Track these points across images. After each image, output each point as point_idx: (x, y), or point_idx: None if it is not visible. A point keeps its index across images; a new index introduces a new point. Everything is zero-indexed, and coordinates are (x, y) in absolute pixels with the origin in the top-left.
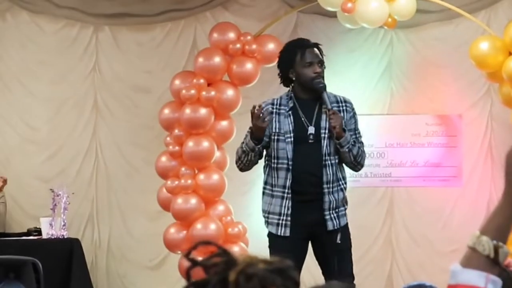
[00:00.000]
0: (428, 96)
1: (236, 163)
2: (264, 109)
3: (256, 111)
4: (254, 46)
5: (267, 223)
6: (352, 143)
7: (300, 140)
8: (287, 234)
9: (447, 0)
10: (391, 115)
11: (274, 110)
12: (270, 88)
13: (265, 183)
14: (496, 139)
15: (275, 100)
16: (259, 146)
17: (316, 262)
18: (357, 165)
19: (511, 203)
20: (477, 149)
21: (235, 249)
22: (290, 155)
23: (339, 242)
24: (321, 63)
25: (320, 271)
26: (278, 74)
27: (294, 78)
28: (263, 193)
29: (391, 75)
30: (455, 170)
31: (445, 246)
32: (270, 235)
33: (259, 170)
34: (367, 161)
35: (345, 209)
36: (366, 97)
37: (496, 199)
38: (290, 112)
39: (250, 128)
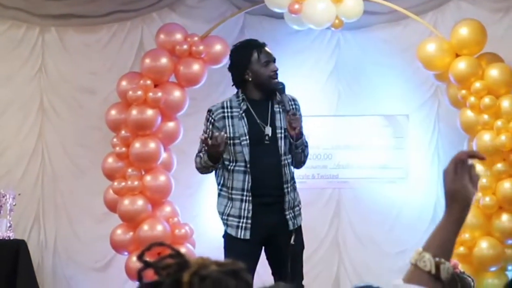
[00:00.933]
0: (376, 97)
1: (198, 170)
2: (219, 137)
3: (210, 141)
4: (201, 47)
5: (226, 225)
6: (306, 143)
7: (256, 142)
8: (247, 237)
9: (395, 1)
10: (338, 116)
11: (226, 114)
12: (217, 89)
13: (221, 185)
14: (443, 140)
15: (225, 103)
16: (218, 164)
17: (263, 263)
18: (302, 164)
19: (453, 220)
20: (424, 150)
21: (182, 250)
22: (247, 158)
23: (293, 243)
24: (274, 61)
25: (269, 271)
26: (232, 76)
27: (250, 79)
28: (219, 195)
29: (339, 77)
30: (402, 172)
31: (392, 248)
32: (228, 236)
33: None
34: (314, 163)
35: (300, 208)
36: (314, 99)
37: (443, 200)
38: (243, 114)
39: (204, 148)
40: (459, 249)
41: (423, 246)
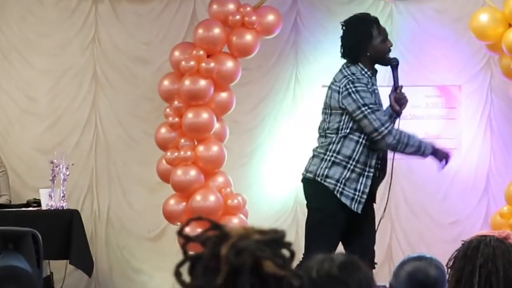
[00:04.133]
0: (428, 68)
1: (398, 144)
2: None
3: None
4: (253, 18)
5: (341, 193)
6: None
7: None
8: (359, 211)
9: None
10: (391, 86)
11: (371, 89)
12: (270, 60)
13: (341, 154)
14: (496, 111)
15: (362, 79)
16: None
17: None
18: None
19: None
20: (476, 121)
21: (235, 220)
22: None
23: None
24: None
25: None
26: (350, 49)
27: (368, 54)
28: (334, 162)
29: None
30: (454, 142)
31: (444, 218)
32: (335, 204)
33: (257, 141)
34: None
35: None
36: None
37: (496, 170)
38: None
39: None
40: None
41: None
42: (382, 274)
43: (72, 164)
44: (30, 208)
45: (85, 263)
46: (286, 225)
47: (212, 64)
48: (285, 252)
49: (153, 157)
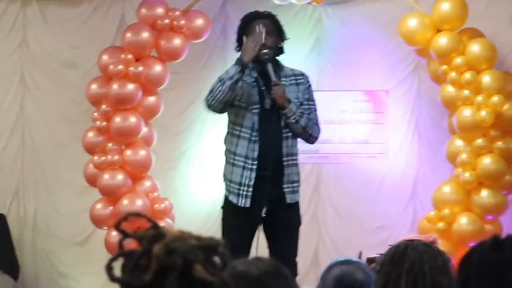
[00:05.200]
0: (356, 72)
1: (207, 97)
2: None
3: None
4: (182, 22)
5: (229, 191)
6: (300, 114)
7: (263, 112)
8: (247, 205)
9: None
10: (319, 91)
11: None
12: (198, 64)
13: (227, 150)
14: (423, 116)
15: (233, 67)
16: (240, 75)
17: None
18: (309, 137)
19: None
20: (404, 126)
21: (162, 224)
22: (256, 126)
23: (288, 217)
24: (268, 34)
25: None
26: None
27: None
28: (225, 160)
29: (320, 52)
30: (382, 147)
31: (371, 223)
32: (228, 203)
33: (185, 145)
34: None
35: (299, 185)
36: None
37: (423, 175)
38: (255, 83)
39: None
40: (439, 225)
41: None
42: (309, 278)
43: None
44: None
45: (11, 267)
46: (213, 230)
47: (140, 68)
48: (218, 261)
49: (80, 161)
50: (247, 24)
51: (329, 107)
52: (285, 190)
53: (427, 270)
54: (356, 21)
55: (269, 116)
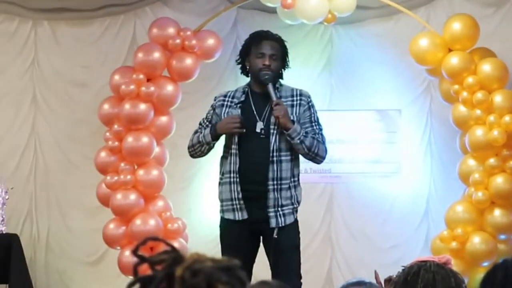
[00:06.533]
0: (368, 92)
1: (189, 149)
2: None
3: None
4: (193, 42)
5: (223, 211)
6: (304, 134)
7: (249, 134)
8: (245, 216)
9: None
10: (331, 111)
11: (225, 103)
12: (209, 84)
13: (220, 173)
14: (436, 135)
15: (229, 93)
16: (215, 141)
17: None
18: (315, 157)
19: None
20: (416, 145)
21: (175, 245)
22: (235, 146)
23: (276, 237)
24: (274, 57)
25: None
26: (236, 61)
27: (248, 69)
28: (219, 183)
29: (331, 71)
30: (394, 166)
31: (384, 242)
32: (225, 222)
33: (197, 165)
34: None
35: (294, 207)
36: None
37: (435, 194)
38: (239, 105)
39: (214, 126)
40: (452, 244)
41: None
42: None
43: (12, 188)
44: None
45: (24, 287)
46: None
47: (152, 88)
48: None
49: (93, 181)
50: (255, 42)
51: (341, 126)
52: (270, 214)
53: None
54: (367, 41)
55: (255, 139)
